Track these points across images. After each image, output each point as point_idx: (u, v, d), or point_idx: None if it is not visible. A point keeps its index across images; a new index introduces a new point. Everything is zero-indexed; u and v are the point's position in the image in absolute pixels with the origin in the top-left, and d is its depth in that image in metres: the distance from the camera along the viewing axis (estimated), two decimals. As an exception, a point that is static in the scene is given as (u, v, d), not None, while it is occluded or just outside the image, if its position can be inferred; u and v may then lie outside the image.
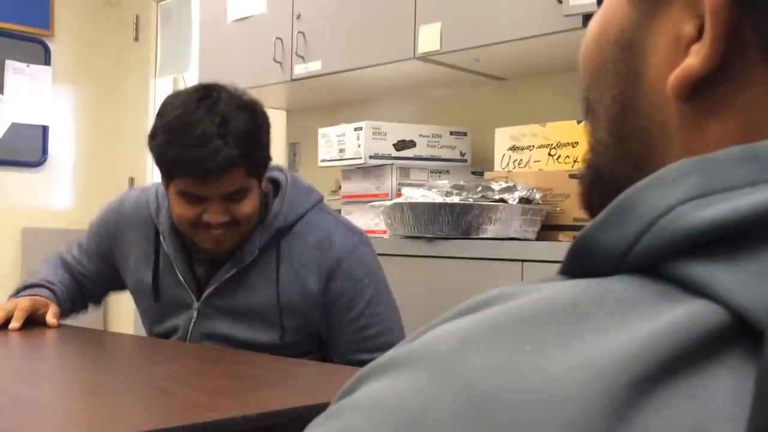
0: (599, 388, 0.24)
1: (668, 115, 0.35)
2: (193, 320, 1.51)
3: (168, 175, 1.41)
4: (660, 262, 0.28)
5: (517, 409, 0.24)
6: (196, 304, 1.51)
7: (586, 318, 0.26)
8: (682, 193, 0.28)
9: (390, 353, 0.29)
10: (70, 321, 1.64)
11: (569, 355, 0.25)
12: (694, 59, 0.33)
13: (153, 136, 1.40)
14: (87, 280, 1.69)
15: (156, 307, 1.57)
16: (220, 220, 1.40)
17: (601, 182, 0.40)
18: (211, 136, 1.33)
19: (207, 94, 1.39)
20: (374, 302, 1.49)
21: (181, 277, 1.51)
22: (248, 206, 1.42)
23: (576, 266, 0.31)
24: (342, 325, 1.48)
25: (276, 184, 1.56)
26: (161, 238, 1.54)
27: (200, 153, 1.33)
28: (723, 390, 0.24)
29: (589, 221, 0.33)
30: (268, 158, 1.47)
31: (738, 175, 0.28)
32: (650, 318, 0.26)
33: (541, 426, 0.24)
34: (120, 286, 1.69)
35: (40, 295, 1.58)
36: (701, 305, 0.26)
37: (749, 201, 0.26)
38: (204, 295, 1.50)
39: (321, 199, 1.57)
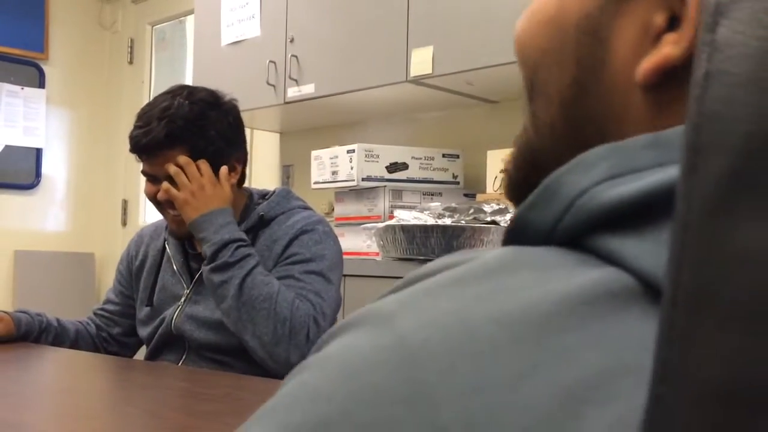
0: (509, 334, 0.27)
1: (629, 101, 0.37)
2: (180, 306, 1.60)
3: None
4: (580, 237, 0.31)
5: (439, 358, 0.27)
6: (186, 292, 1.61)
7: (510, 276, 0.30)
8: (598, 175, 0.31)
9: (349, 316, 0.32)
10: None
11: (489, 307, 0.28)
12: (672, 48, 0.34)
13: None
14: (109, 318, 1.76)
15: (149, 312, 1.67)
16: (166, 197, 1.54)
17: (540, 164, 0.41)
18: (151, 118, 1.53)
19: (174, 91, 1.58)
20: (311, 274, 1.52)
21: (177, 270, 1.65)
22: None
23: (512, 242, 0.34)
24: (276, 274, 1.52)
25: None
26: (166, 243, 1.69)
27: (139, 132, 1.54)
28: (629, 339, 0.27)
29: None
30: (223, 150, 1.57)
31: (645, 158, 0.30)
32: (566, 277, 0.29)
33: (458, 375, 0.27)
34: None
35: (6, 312, 1.60)
36: (612, 270, 0.29)
37: (654, 179, 0.29)
38: (193, 282, 1.61)
39: (310, 208, 1.68)
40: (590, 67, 0.38)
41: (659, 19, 0.35)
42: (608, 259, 0.29)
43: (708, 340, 0.22)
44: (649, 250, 0.28)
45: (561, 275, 0.29)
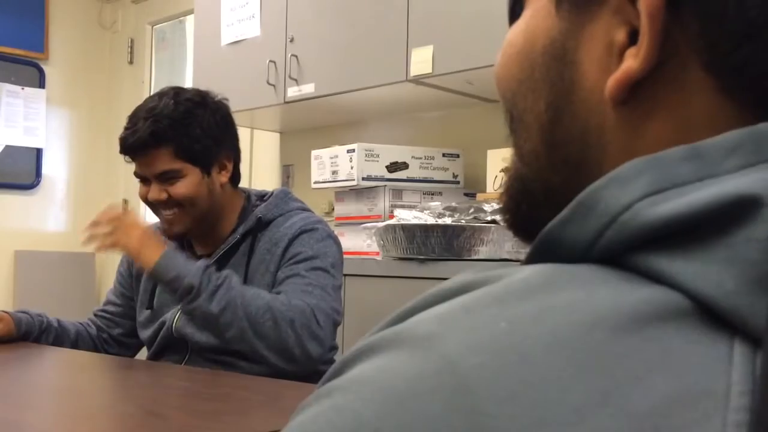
0: (568, 360, 0.26)
1: (604, 119, 0.37)
2: (180, 309, 1.58)
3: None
4: (622, 255, 0.30)
5: (496, 386, 0.26)
6: None
7: (555, 295, 0.28)
8: (638, 190, 0.30)
9: (376, 336, 0.30)
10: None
11: (539, 330, 0.27)
12: (632, 62, 0.35)
13: None
14: (110, 319, 1.75)
15: (149, 315, 1.66)
16: (156, 198, 1.57)
17: (530, 191, 0.41)
18: (138, 119, 1.55)
19: (163, 92, 1.59)
20: (316, 270, 1.53)
21: None
22: (182, 188, 1.57)
23: (541, 259, 0.32)
24: (282, 274, 1.53)
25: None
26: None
27: (126, 133, 1.56)
28: (691, 363, 0.26)
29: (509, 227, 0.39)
30: (211, 148, 1.59)
31: (685, 172, 0.30)
32: (615, 297, 0.28)
33: (520, 406, 0.25)
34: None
35: (6, 312, 1.60)
36: (660, 289, 0.28)
37: (699, 196, 0.29)
38: None
39: (309, 209, 1.67)
40: (562, 90, 0.38)
41: (620, 35, 0.35)
42: (655, 278, 0.28)
43: None
44: (702, 271, 0.28)
45: (608, 294, 0.28)
